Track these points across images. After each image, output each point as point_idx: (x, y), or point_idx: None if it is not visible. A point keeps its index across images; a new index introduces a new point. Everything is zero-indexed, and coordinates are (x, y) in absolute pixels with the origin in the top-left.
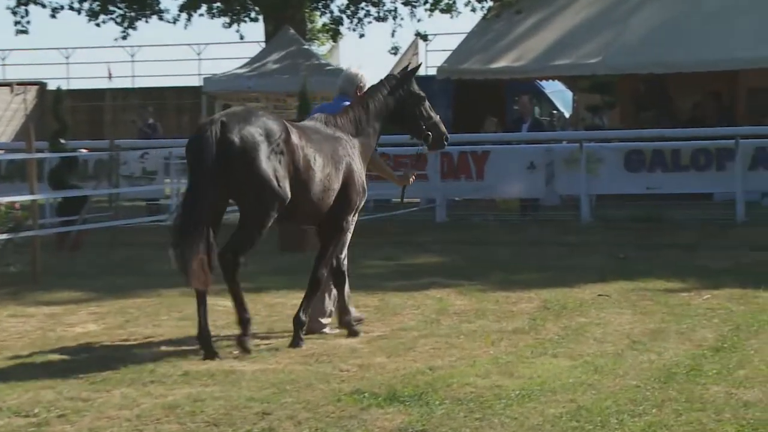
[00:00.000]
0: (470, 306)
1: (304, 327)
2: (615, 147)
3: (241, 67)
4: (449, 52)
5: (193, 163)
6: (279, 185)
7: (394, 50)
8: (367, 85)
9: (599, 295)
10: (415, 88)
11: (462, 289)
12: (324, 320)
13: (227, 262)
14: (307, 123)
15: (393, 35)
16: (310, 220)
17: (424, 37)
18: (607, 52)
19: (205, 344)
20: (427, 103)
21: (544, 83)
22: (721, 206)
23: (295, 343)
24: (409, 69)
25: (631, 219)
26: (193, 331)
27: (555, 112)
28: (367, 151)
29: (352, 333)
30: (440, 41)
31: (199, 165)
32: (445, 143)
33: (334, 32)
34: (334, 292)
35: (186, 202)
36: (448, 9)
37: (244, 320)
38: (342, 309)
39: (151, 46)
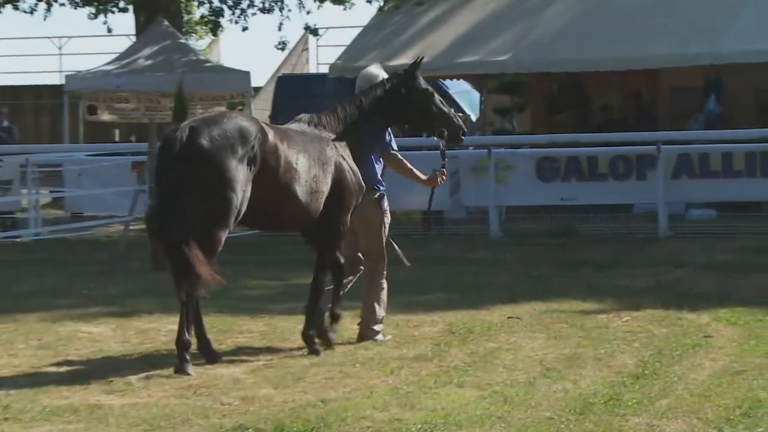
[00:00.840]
0: None
1: (313, 340)
2: (526, 153)
3: (108, 64)
4: (343, 48)
5: (159, 170)
6: (241, 191)
7: (282, 45)
8: None
9: (509, 317)
10: (422, 83)
11: (358, 312)
12: (377, 327)
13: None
14: (290, 125)
15: (280, 29)
16: (297, 225)
17: (315, 32)
18: (517, 49)
19: (205, 350)
20: (437, 98)
21: (448, 83)
22: (642, 219)
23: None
24: (413, 63)
25: (545, 233)
26: (53, 359)
27: (460, 114)
28: (362, 149)
29: (313, 351)
30: (333, 36)
31: (165, 171)
32: (462, 138)
33: (213, 25)
34: (384, 297)
35: (159, 210)
36: (341, 0)
37: (182, 343)
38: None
39: (4, 39)
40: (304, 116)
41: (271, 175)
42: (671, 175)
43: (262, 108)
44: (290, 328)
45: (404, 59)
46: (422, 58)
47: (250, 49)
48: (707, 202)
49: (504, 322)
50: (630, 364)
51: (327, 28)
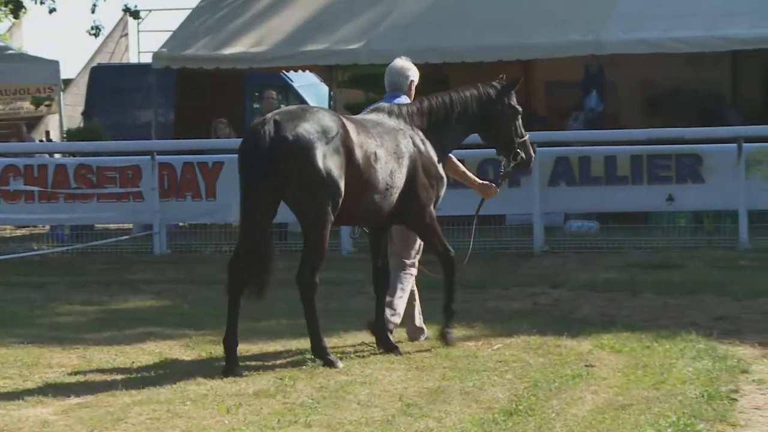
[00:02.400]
0: (199, 363)
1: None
2: None
3: None
4: (169, 34)
5: (244, 166)
6: (335, 186)
7: (96, 31)
8: (416, 79)
9: (362, 343)
10: (514, 101)
11: (188, 342)
12: (418, 323)
13: (307, 281)
14: (369, 116)
15: (93, 11)
16: (371, 221)
17: (135, 14)
18: (371, 37)
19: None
20: (520, 119)
21: (292, 74)
22: (515, 232)
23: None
24: (513, 81)
25: None
26: None
27: None
28: (441, 148)
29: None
30: (156, 19)
31: (252, 168)
32: (530, 167)
33: (14, 6)
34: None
35: (243, 211)
36: None
37: (320, 350)
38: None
39: None
40: (384, 105)
41: (353, 171)
42: (548, 181)
43: (73, 103)
44: (108, 360)
45: (239, 47)
46: (521, 79)
47: (58, 35)
48: (588, 212)
49: (358, 350)
50: (502, 399)
51: (150, 10)
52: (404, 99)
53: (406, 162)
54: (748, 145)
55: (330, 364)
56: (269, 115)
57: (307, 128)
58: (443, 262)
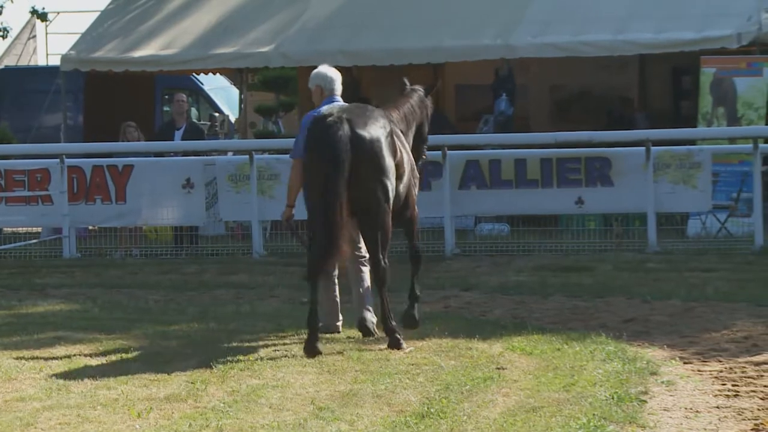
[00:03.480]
0: (109, 367)
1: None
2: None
3: None
4: (77, 36)
5: (323, 163)
6: (393, 175)
7: (3, 33)
8: None
9: (276, 350)
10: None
11: (99, 346)
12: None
13: (382, 267)
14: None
15: (1, 12)
16: (393, 210)
17: (43, 17)
18: (282, 39)
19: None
20: None
21: (202, 77)
22: (426, 234)
23: (397, 345)
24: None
25: None
26: None
27: (217, 114)
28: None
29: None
30: (65, 21)
31: (333, 161)
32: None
33: None
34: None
35: (321, 203)
36: None
37: (390, 329)
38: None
39: None
40: (378, 109)
41: (395, 163)
42: (458, 184)
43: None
44: (17, 365)
45: (149, 50)
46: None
47: None
48: (499, 215)
49: (269, 354)
50: (414, 402)
51: (58, 12)
52: (340, 103)
53: (410, 160)
54: (656, 148)
55: (396, 344)
56: (335, 112)
57: (377, 126)
58: (416, 252)
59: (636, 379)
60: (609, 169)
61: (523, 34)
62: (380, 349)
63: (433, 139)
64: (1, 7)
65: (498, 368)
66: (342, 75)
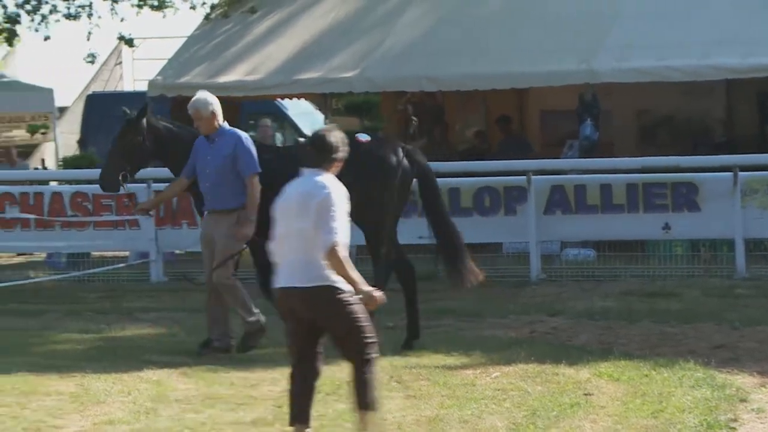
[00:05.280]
0: (197, 391)
1: None
2: None
3: None
4: (164, 62)
5: (396, 185)
6: None
7: (91, 58)
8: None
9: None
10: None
11: (186, 370)
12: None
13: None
14: None
15: (89, 39)
16: None
17: (130, 42)
18: (365, 64)
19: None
20: None
21: (286, 102)
22: (511, 260)
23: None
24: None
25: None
26: None
27: (302, 139)
28: None
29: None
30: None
31: (403, 186)
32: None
33: (9, 33)
34: None
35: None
36: (161, 6)
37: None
38: None
39: None
40: None
41: None
42: (544, 209)
43: (68, 131)
44: (106, 389)
45: (234, 75)
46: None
47: (53, 63)
48: (585, 240)
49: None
50: (500, 427)
51: (145, 38)
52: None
53: None
54: (743, 173)
55: None
56: (393, 145)
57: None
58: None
59: (725, 406)
60: (696, 195)
61: (607, 59)
62: (466, 375)
63: (518, 164)
64: (89, 33)
65: (585, 394)
66: (426, 100)
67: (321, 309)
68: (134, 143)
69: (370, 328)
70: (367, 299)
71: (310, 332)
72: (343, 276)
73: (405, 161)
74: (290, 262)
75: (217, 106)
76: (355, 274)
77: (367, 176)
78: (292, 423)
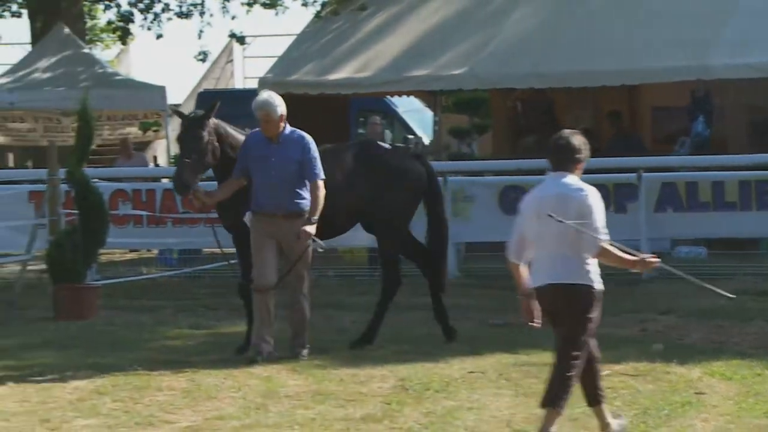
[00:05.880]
0: (307, 387)
1: None
2: (488, 182)
3: (0, 77)
4: (274, 59)
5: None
6: None
7: (203, 56)
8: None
9: (471, 372)
10: None
11: (296, 365)
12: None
13: None
14: None
15: (200, 37)
16: None
17: (241, 40)
18: (475, 61)
19: None
20: None
21: (396, 100)
22: None
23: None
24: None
25: (510, 275)
26: None
27: (411, 136)
28: None
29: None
30: (262, 45)
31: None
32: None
33: (122, 32)
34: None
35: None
36: (272, 4)
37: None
38: None
39: None
40: None
41: None
42: (654, 207)
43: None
44: (216, 384)
45: (344, 73)
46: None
47: (165, 61)
48: (696, 238)
49: (465, 377)
50: (611, 425)
51: (255, 36)
52: None
53: None
54: None
55: None
56: (413, 153)
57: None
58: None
59: None
60: None
61: (719, 55)
62: None
63: (628, 161)
64: (201, 31)
65: (696, 393)
66: (535, 97)
67: (573, 305)
68: (206, 142)
69: (593, 332)
70: (643, 264)
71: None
72: (619, 263)
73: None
74: (549, 260)
75: (284, 108)
76: (625, 254)
77: (397, 186)
78: (543, 405)
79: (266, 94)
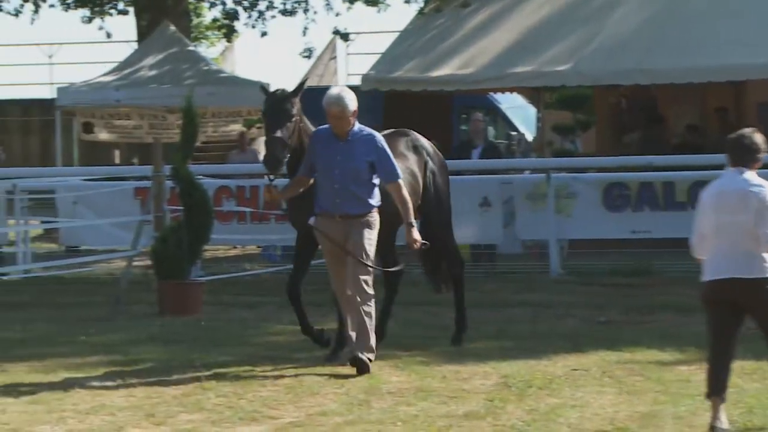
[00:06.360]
0: (409, 384)
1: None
2: (591, 179)
3: (106, 74)
4: (377, 56)
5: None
6: None
7: (307, 53)
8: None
9: (574, 369)
10: None
11: (398, 362)
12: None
13: None
14: None
15: (305, 34)
16: None
17: (345, 37)
18: (579, 58)
19: None
20: None
21: (498, 96)
22: None
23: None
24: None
25: (613, 272)
26: (48, 416)
27: (514, 133)
28: None
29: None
30: (366, 42)
31: None
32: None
33: (227, 29)
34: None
35: None
36: (374, 1)
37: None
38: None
39: None
40: None
41: None
42: None
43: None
44: (319, 381)
45: (447, 69)
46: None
47: (269, 58)
48: None
49: (568, 374)
50: None
51: (359, 33)
52: None
53: None
54: None
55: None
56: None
57: None
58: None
59: None
60: None
61: None
62: (681, 370)
63: None
64: (305, 28)
65: None
66: (639, 94)
67: (760, 298)
68: (295, 120)
69: None
70: None
71: (737, 318)
72: None
73: None
74: (728, 255)
75: (356, 104)
76: None
77: (441, 173)
78: (709, 396)
79: (338, 89)
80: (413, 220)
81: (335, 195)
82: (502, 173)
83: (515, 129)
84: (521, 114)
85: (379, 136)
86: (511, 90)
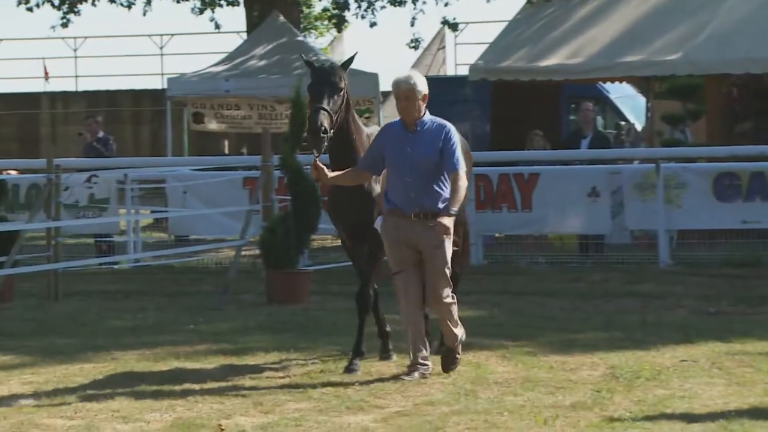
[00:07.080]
0: (516, 374)
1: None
2: (702, 169)
3: (216, 65)
4: (485, 46)
5: None
6: None
7: (415, 44)
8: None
9: (683, 360)
10: None
11: (505, 352)
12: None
13: None
14: None
15: (413, 24)
16: None
17: (454, 26)
18: (689, 47)
19: None
20: None
21: (608, 86)
22: None
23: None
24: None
25: (724, 262)
26: (157, 404)
27: (623, 123)
28: None
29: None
30: (473, 32)
31: None
32: None
33: (337, 20)
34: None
35: None
36: None
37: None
38: None
39: (98, 37)
40: None
41: None
42: None
43: (391, 115)
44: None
45: (556, 59)
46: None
47: (378, 48)
48: None
49: (677, 365)
50: None
51: (467, 23)
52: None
53: None
54: None
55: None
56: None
57: None
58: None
59: None
60: None
61: None
62: None
63: None
64: (414, 18)
65: None
66: (751, 83)
67: None
68: (342, 93)
69: None
70: None
71: None
72: None
73: None
74: None
75: (427, 89)
76: None
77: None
78: None
79: (408, 71)
80: (455, 211)
81: (408, 189)
82: (611, 163)
83: (624, 119)
84: (630, 104)
85: (449, 126)
86: (621, 79)
